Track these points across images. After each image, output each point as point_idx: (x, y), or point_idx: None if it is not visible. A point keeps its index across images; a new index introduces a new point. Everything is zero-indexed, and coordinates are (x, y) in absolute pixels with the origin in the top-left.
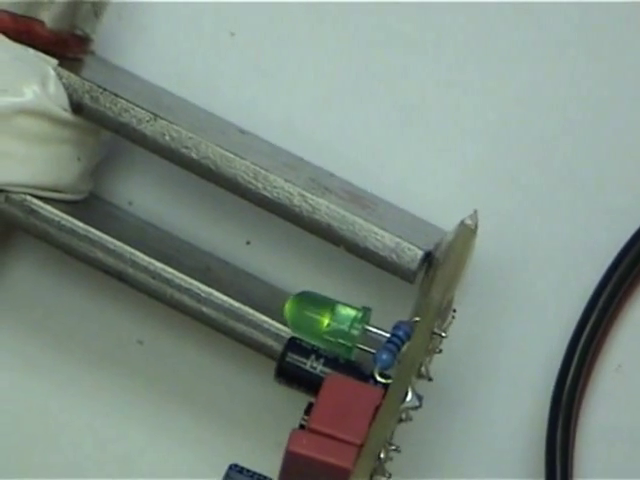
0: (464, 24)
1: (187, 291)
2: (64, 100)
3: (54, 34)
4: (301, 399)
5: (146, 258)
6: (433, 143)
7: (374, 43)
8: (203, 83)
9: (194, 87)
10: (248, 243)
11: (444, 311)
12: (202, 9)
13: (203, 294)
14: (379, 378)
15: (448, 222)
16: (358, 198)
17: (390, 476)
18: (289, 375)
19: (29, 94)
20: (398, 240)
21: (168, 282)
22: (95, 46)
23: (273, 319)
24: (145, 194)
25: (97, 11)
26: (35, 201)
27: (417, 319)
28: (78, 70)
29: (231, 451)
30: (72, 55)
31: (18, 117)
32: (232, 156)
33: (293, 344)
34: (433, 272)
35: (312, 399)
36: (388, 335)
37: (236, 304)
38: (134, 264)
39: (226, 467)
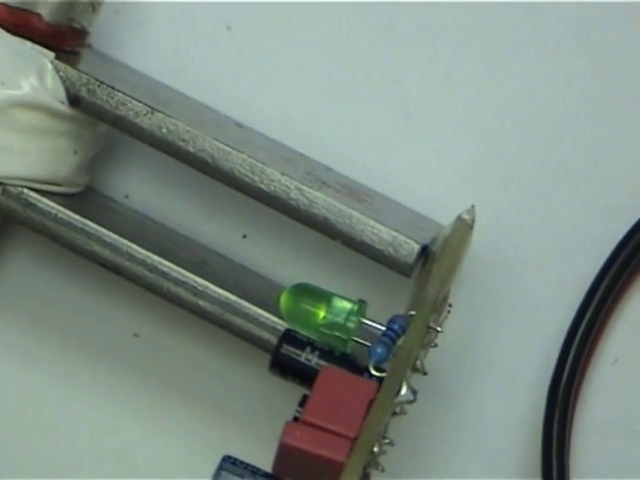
0: (461, 22)
1: (183, 284)
2: (61, 93)
3: (51, 27)
4: (297, 391)
5: (143, 251)
6: (430, 139)
7: (372, 39)
8: (200, 77)
9: (191, 81)
10: (244, 237)
11: (440, 305)
12: (199, 3)
13: (199, 287)
14: (374, 371)
15: (445, 217)
16: (355, 192)
17: (383, 470)
18: (284, 367)
19: (26, 87)
20: (395, 234)
21: (164, 275)
22: (92, 40)
23: (269, 312)
24: (142, 187)
25: (94, 4)
26: (32, 194)
27: (413, 313)
28: (75, 63)
29: (227, 443)
30: (69, 48)
31: (15, 110)
32: (229, 149)
33: (288, 336)
34: (429, 266)
35: (307, 391)
36: (383, 328)
37: (232, 297)
38: (131, 257)
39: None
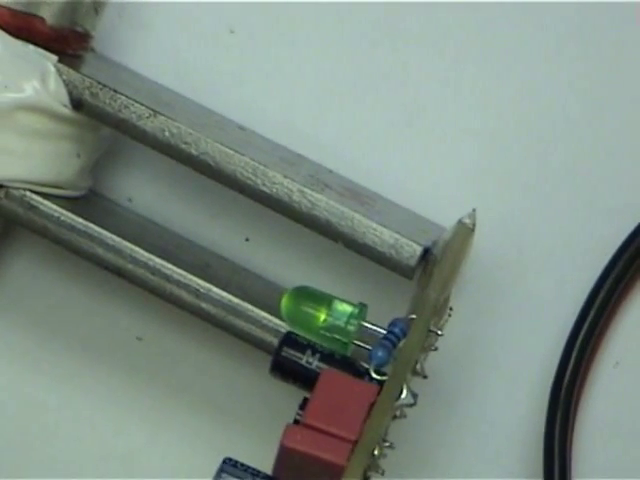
0: (463, 23)
1: (186, 287)
2: (64, 96)
3: (54, 30)
4: (300, 394)
5: (145, 254)
6: (432, 142)
7: (374, 41)
8: (202, 80)
9: (193, 84)
10: (247, 240)
11: (440, 309)
12: (201, 6)
13: (202, 290)
14: (374, 375)
15: (447, 220)
16: (357, 195)
17: (383, 473)
18: (284, 370)
19: (29, 90)
20: (397, 236)
21: (167, 278)
22: (95, 43)
23: (272, 315)
24: (144, 190)
25: (97, 8)
26: (35, 197)
27: (413, 316)
28: (78, 67)
29: (230, 446)
30: (72, 52)
31: (18, 113)
32: (231, 152)
33: (289, 339)
34: (430, 269)
35: (307, 394)
36: (384, 332)
37: (235, 300)
38: (133, 260)
39: None
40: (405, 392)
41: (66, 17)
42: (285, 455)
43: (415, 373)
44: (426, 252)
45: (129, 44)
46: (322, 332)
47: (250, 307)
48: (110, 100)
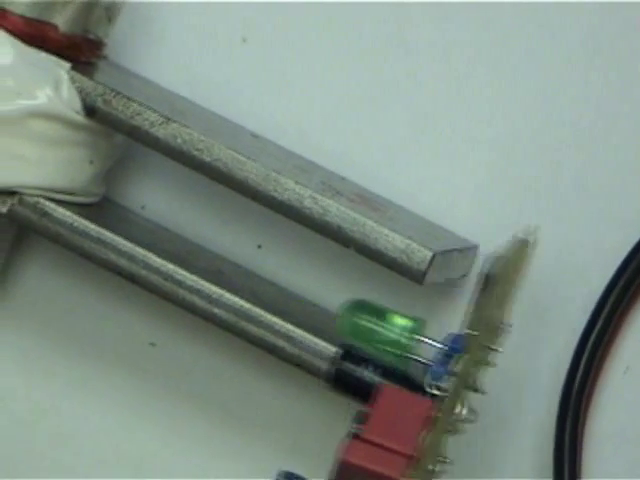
0: (475, 34)
1: (198, 292)
2: (77, 103)
3: (67, 38)
4: (314, 402)
5: (158, 260)
6: (444, 150)
7: (386, 51)
8: (215, 89)
9: (206, 93)
10: (259, 247)
11: (499, 326)
12: (214, 15)
13: (214, 295)
14: (431, 390)
15: (458, 227)
16: (369, 201)
17: None
18: (344, 383)
19: (42, 97)
20: (408, 242)
21: (180, 284)
22: (108, 52)
23: (284, 320)
24: (157, 197)
25: (110, 16)
26: (48, 203)
27: (472, 333)
28: (91, 74)
29: (242, 451)
30: (85, 59)
31: (31, 120)
32: (243, 159)
33: (348, 353)
34: (490, 287)
35: (362, 407)
36: (439, 346)
37: (247, 305)
38: (146, 265)
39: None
40: (465, 408)
41: (79, 25)
42: (343, 469)
43: (473, 389)
44: (434, 257)
45: (142, 52)
46: (379, 346)
47: (262, 312)
48: (123, 107)
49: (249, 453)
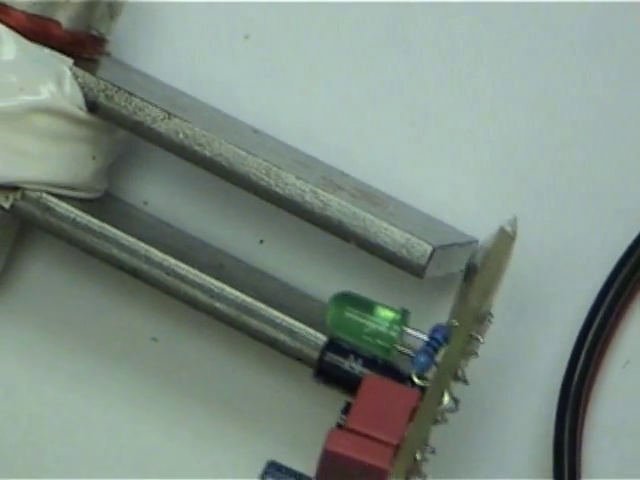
0: (477, 31)
1: (200, 287)
2: (79, 99)
3: (70, 34)
4: (315, 395)
5: (160, 254)
6: (446, 146)
7: (388, 47)
8: (217, 86)
9: (208, 89)
10: (261, 242)
11: (482, 316)
12: (216, 12)
13: (216, 289)
14: (416, 380)
15: (459, 222)
16: (369, 196)
17: (425, 477)
18: (328, 374)
19: (45, 93)
20: (408, 236)
21: (182, 278)
22: (111, 48)
23: (285, 314)
24: (159, 193)
25: (112, 12)
26: (51, 198)
27: (455, 323)
28: (93, 70)
29: (245, 445)
30: (87, 55)
31: (34, 115)
32: (245, 154)
33: (332, 344)
34: (472, 278)
35: (349, 399)
36: (425, 337)
37: (248, 299)
38: (148, 260)
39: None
40: (447, 398)
41: (82, 21)
42: (328, 459)
43: (456, 379)
44: (434, 251)
45: (144, 49)
46: (365, 337)
47: (264, 307)
48: (125, 103)
49: (251, 446)
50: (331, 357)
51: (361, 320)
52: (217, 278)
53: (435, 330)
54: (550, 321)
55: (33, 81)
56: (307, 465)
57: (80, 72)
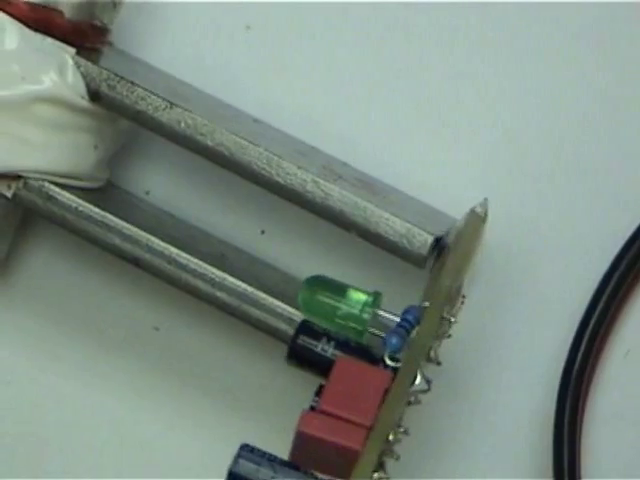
0: (478, 19)
1: (202, 276)
2: (82, 88)
3: (72, 24)
4: (315, 382)
5: (162, 243)
6: (446, 135)
7: (388, 35)
8: (219, 75)
9: (210, 79)
10: (263, 232)
11: (453, 296)
12: (218, 3)
13: (217, 279)
14: (389, 361)
15: (460, 212)
16: (370, 186)
17: (398, 458)
18: (300, 357)
19: (47, 82)
20: (409, 226)
21: (183, 267)
22: (113, 38)
23: (286, 304)
24: (161, 183)
25: (115, 2)
26: (53, 187)
27: (427, 304)
28: (96, 60)
29: (246, 434)
30: (90, 45)
31: (36, 104)
32: (246, 143)
33: (305, 327)
34: (443, 258)
35: (323, 381)
36: (398, 319)
37: (249, 289)
38: (150, 249)
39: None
40: (419, 378)
41: (84, 11)
42: (301, 441)
43: (429, 360)
44: (437, 241)
45: (147, 39)
46: (337, 320)
47: (265, 296)
48: (127, 92)
49: (253, 435)
50: (303, 339)
51: (333, 303)
52: (218, 268)
53: (407, 311)
54: (551, 311)
55: (35, 70)
56: None
57: (82, 61)
